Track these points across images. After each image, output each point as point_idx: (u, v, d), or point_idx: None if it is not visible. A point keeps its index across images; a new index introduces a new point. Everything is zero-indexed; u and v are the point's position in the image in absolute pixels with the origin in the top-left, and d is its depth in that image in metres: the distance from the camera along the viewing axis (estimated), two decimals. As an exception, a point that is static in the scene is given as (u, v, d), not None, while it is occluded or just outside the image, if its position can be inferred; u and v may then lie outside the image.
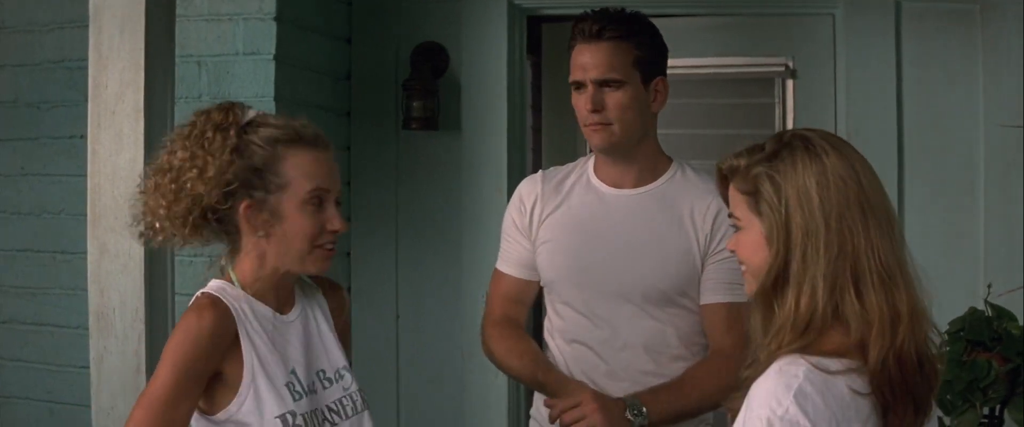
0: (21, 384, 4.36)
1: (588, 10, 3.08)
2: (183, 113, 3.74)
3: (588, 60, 3.02)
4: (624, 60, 3.01)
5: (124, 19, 3.07)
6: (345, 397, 2.53)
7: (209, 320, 2.36)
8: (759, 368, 2.01)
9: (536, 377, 3.07)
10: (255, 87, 3.99)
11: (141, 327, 3.04)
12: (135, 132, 3.07)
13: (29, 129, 4.35)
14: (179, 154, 2.40)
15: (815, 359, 1.96)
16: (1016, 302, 3.71)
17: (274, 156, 2.41)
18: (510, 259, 3.21)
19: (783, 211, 2.03)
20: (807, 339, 1.99)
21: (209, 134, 2.39)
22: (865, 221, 1.99)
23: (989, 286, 3.69)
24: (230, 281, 2.45)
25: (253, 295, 2.45)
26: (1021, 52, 4.31)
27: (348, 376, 2.57)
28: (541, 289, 3.22)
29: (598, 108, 3.00)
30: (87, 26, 3.12)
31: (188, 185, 2.37)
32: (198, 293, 2.43)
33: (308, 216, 2.45)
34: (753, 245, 2.08)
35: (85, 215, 3.13)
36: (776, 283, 2.04)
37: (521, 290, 3.21)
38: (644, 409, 2.90)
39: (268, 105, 3.97)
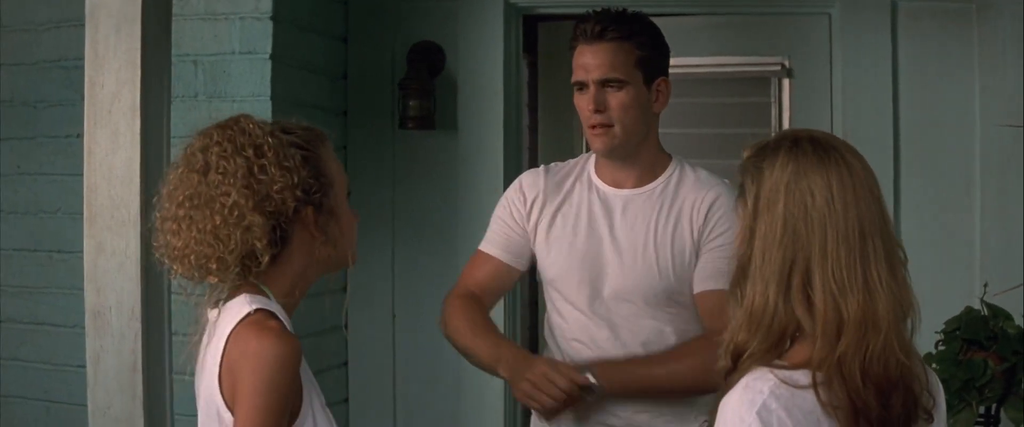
0: (18, 383, 4.36)
1: (590, 10, 3.11)
2: (179, 112, 3.75)
3: (590, 60, 3.05)
4: (626, 60, 3.04)
5: (120, 18, 3.07)
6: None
7: (295, 343, 2.17)
8: (732, 378, 2.02)
9: (492, 351, 3.10)
10: (251, 86, 3.99)
11: (138, 326, 3.03)
12: (131, 131, 3.06)
13: (25, 128, 4.35)
14: (243, 170, 2.21)
15: (784, 373, 1.96)
16: (1012, 301, 3.71)
17: (316, 157, 2.32)
18: (498, 242, 3.20)
19: (752, 209, 2.04)
20: (765, 342, 2.00)
21: (268, 141, 2.24)
22: (823, 233, 1.98)
23: (985, 285, 3.70)
24: (264, 295, 2.27)
25: (286, 309, 2.30)
26: (1019, 51, 4.31)
27: None
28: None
29: (600, 108, 3.03)
30: (83, 25, 3.12)
31: (276, 198, 2.21)
32: (252, 310, 2.21)
33: (349, 209, 2.39)
34: (737, 236, 2.10)
35: (81, 214, 3.13)
36: (742, 277, 2.05)
37: (500, 275, 3.19)
38: (595, 380, 2.95)
39: (264, 105, 3.97)
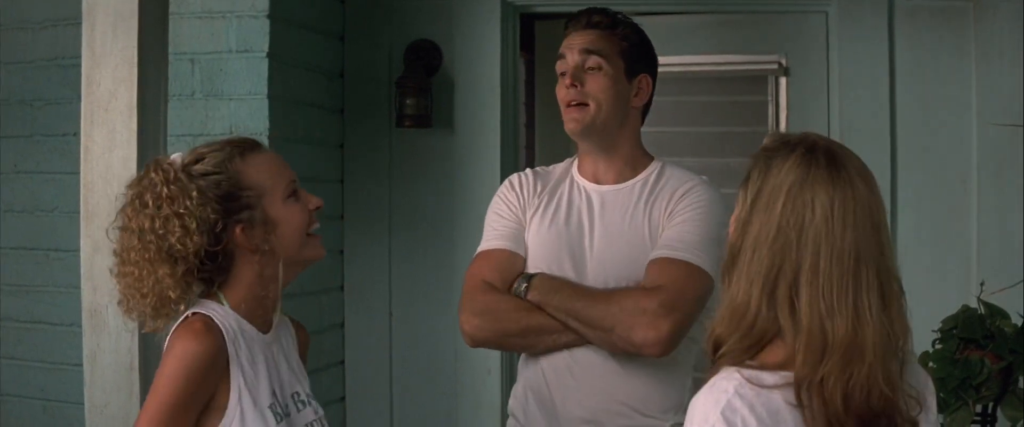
0: (15, 382, 4.36)
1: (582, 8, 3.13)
2: (176, 111, 3.75)
3: (574, 41, 3.09)
4: (608, 45, 3.06)
5: (117, 17, 3.07)
6: (316, 420, 2.52)
7: (208, 345, 2.33)
8: (707, 376, 2.02)
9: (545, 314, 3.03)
10: (248, 85, 3.99)
11: (134, 324, 3.03)
12: (128, 130, 3.06)
13: (22, 127, 4.34)
14: (147, 224, 2.37)
15: (750, 373, 1.96)
16: (1009, 300, 3.72)
17: (233, 175, 2.43)
18: (504, 235, 3.13)
19: (750, 202, 2.03)
20: (743, 342, 1.99)
21: (164, 191, 2.37)
22: (816, 251, 1.96)
23: (982, 283, 3.70)
24: (218, 301, 2.43)
25: (243, 315, 2.43)
26: (1016, 50, 4.31)
27: (316, 403, 2.56)
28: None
29: (577, 82, 3.04)
30: (80, 24, 3.12)
31: (178, 247, 2.35)
32: (188, 313, 2.39)
33: (293, 207, 2.47)
34: (732, 221, 2.10)
35: (78, 213, 3.13)
36: (731, 264, 2.05)
37: (514, 264, 3.10)
38: (526, 282, 3.01)
39: (261, 103, 3.97)
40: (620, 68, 3.06)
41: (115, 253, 2.44)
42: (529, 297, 3.00)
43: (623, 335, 2.90)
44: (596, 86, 3.04)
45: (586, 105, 3.04)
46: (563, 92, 3.08)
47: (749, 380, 1.95)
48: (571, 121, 3.07)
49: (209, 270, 2.41)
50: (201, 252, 2.37)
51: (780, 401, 1.95)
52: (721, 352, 2.01)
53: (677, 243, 2.97)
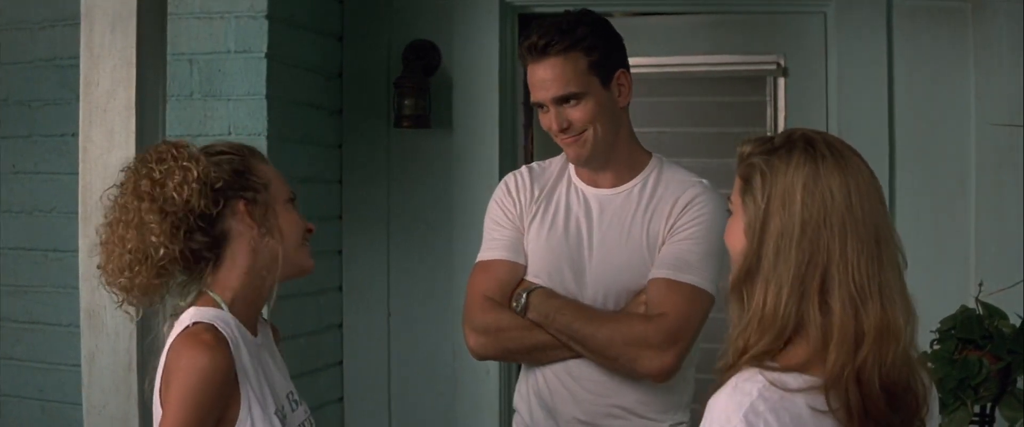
0: (12, 382, 4.36)
1: (567, 10, 3.07)
2: (175, 111, 3.75)
3: (542, 78, 2.98)
4: (577, 70, 2.96)
5: (116, 17, 3.06)
6: (306, 421, 2.51)
7: (221, 358, 2.28)
8: (724, 375, 2.00)
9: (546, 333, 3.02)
10: (246, 85, 3.98)
11: (132, 325, 3.03)
12: (127, 130, 3.06)
13: (21, 127, 4.34)
14: (145, 184, 2.34)
15: (774, 375, 1.94)
16: (1007, 300, 3.72)
17: (247, 159, 2.45)
18: (503, 246, 3.12)
19: (764, 206, 2.01)
20: (770, 344, 1.97)
21: (173, 151, 2.36)
22: (843, 236, 1.97)
23: (980, 284, 3.70)
24: (215, 305, 2.38)
25: (239, 316, 2.40)
26: (1015, 50, 4.31)
27: (304, 402, 2.55)
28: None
29: (565, 126, 2.99)
30: (79, 24, 3.12)
31: (173, 195, 2.32)
32: (191, 323, 2.33)
33: (293, 214, 2.48)
34: (736, 232, 2.08)
35: (77, 213, 3.12)
36: (748, 276, 2.02)
37: (514, 274, 3.10)
38: (525, 298, 3.00)
39: (259, 103, 3.97)
40: (595, 82, 2.99)
41: (104, 217, 2.41)
42: (529, 315, 3.00)
43: (627, 365, 2.93)
44: (582, 118, 2.98)
45: (581, 134, 3.00)
46: (553, 131, 3.03)
47: (773, 383, 1.93)
48: (572, 152, 3.05)
49: (201, 244, 2.37)
50: (194, 209, 2.32)
51: (803, 405, 1.93)
52: (746, 356, 1.98)
53: (680, 263, 2.95)
